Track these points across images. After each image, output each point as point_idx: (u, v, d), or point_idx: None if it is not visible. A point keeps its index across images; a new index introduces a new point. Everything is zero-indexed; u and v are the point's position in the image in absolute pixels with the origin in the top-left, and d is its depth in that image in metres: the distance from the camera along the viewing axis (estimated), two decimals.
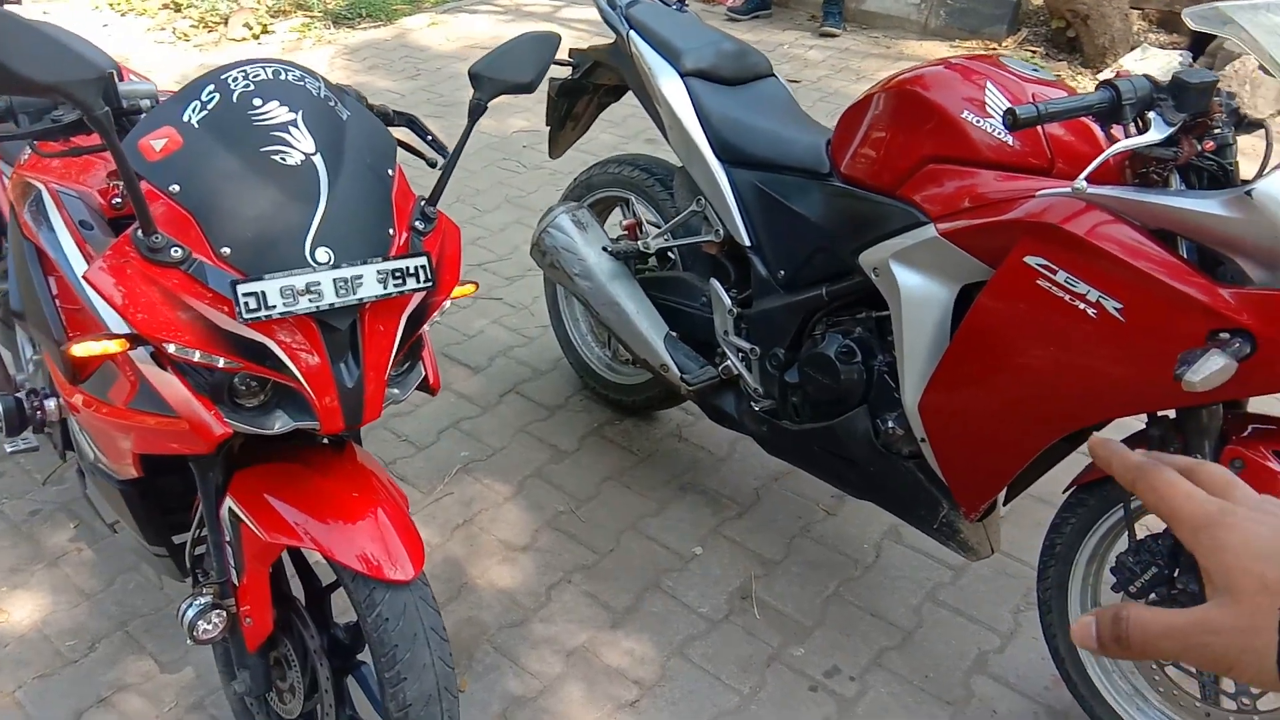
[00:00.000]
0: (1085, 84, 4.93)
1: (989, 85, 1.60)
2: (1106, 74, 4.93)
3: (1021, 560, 2.05)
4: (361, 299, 1.22)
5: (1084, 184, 1.39)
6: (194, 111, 1.24)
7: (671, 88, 2.07)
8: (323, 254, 1.21)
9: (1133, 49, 5.09)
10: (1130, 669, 1.68)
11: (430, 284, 1.30)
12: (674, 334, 2.20)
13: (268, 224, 1.21)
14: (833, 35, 5.71)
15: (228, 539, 1.41)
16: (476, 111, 1.41)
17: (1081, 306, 1.44)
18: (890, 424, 1.79)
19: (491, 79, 1.39)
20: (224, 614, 1.43)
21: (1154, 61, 4.95)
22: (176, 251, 1.18)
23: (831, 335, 1.87)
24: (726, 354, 2.07)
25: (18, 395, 1.67)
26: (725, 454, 2.46)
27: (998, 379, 1.58)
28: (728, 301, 2.04)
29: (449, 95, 4.83)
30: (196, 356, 1.20)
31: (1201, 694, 1.59)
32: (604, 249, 2.28)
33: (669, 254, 2.31)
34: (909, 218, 1.66)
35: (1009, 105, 1.54)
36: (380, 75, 5.11)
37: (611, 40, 2.31)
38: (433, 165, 1.46)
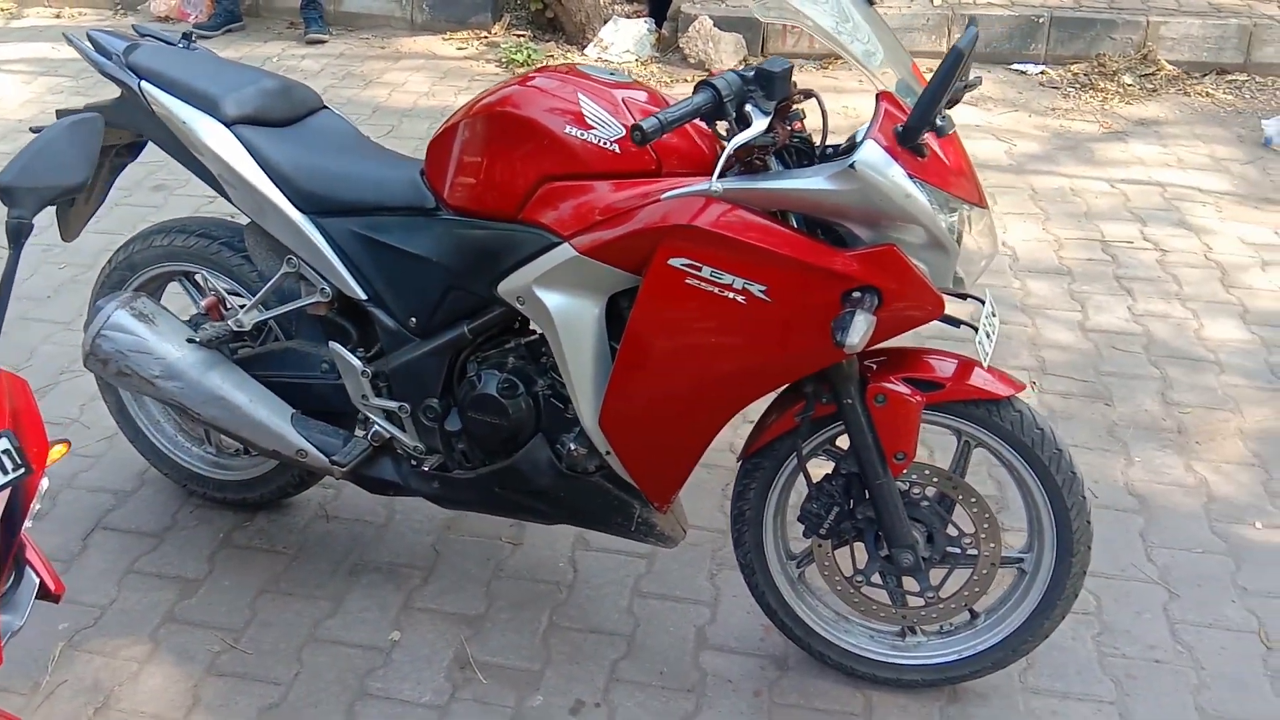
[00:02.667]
0: (575, 58, 5.25)
1: (581, 96, 1.60)
2: (587, 53, 5.31)
3: (698, 526, 2.16)
4: None
5: (719, 184, 1.45)
6: None
7: (220, 141, 1.80)
8: None
9: (605, 22, 5.52)
10: (830, 596, 1.85)
11: (24, 469, 0.99)
12: (299, 413, 1.95)
13: None
14: (321, 41, 5.45)
15: None
16: (20, 233, 1.09)
17: (731, 296, 1.52)
18: (571, 445, 1.76)
19: (30, 189, 1.08)
20: None
21: (626, 31, 5.44)
22: None
23: (486, 373, 1.78)
24: (371, 418, 1.88)
25: None
26: (385, 519, 2.26)
27: (670, 379, 1.62)
28: (357, 364, 1.85)
29: None
30: None
31: (891, 600, 1.80)
32: (188, 340, 1.93)
33: (263, 326, 2.02)
34: (540, 241, 1.63)
35: (613, 116, 1.56)
36: None
37: (114, 95, 1.95)
38: None
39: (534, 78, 1.67)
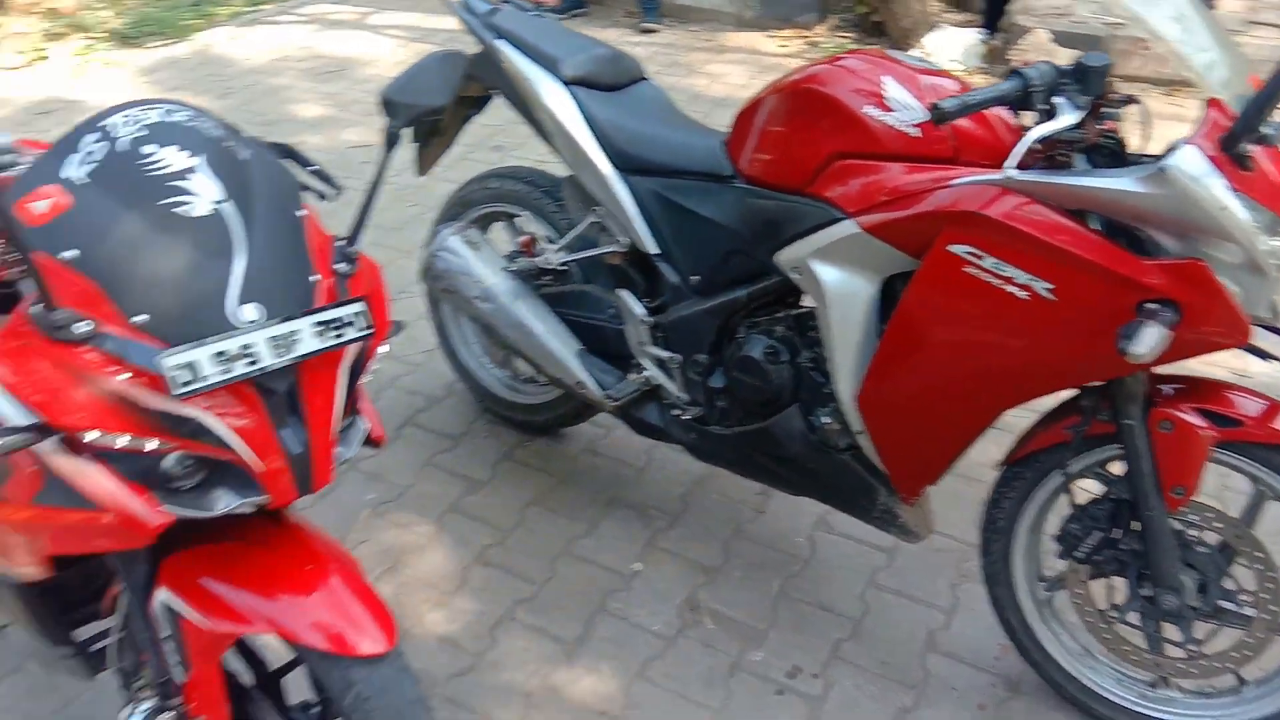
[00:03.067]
0: None
1: (885, 78, 1.64)
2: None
3: (947, 535, 2.13)
4: (300, 356, 1.11)
5: (1014, 171, 1.44)
6: (77, 166, 1.08)
7: (556, 97, 2.01)
8: (251, 311, 1.09)
9: (932, 29, 5.41)
10: (1079, 628, 1.76)
11: (370, 331, 1.20)
12: (584, 349, 2.15)
13: (184, 284, 1.07)
14: (653, 31, 5.77)
15: (164, 635, 1.25)
16: (392, 140, 1.31)
17: (1011, 290, 1.49)
18: (825, 419, 1.81)
19: (405, 104, 1.30)
20: (172, 714, 1.28)
21: (954, 39, 5.29)
22: (83, 325, 1.03)
23: (754, 336, 1.87)
24: (645, 365, 2.04)
25: None
26: (644, 464, 2.43)
27: (935, 367, 1.62)
28: (640, 311, 2.01)
29: (271, 112, 4.55)
30: (121, 442, 1.05)
31: (1147, 645, 1.69)
32: (503, 269, 2.19)
33: (564, 268, 2.25)
34: (824, 215, 1.68)
35: (916, 100, 1.58)
36: (188, 96, 4.74)
37: (475, 50, 2.24)
38: (322, 198, 1.35)
39: (843, 58, 1.73)
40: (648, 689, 1.86)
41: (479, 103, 2.39)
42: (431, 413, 2.62)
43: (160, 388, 1.03)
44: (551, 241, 2.23)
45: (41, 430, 1.05)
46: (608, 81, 2.07)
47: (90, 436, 1.03)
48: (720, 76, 5.07)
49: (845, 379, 1.72)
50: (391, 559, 2.15)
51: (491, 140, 4.22)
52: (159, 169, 1.09)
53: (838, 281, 1.69)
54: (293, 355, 1.09)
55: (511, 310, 2.15)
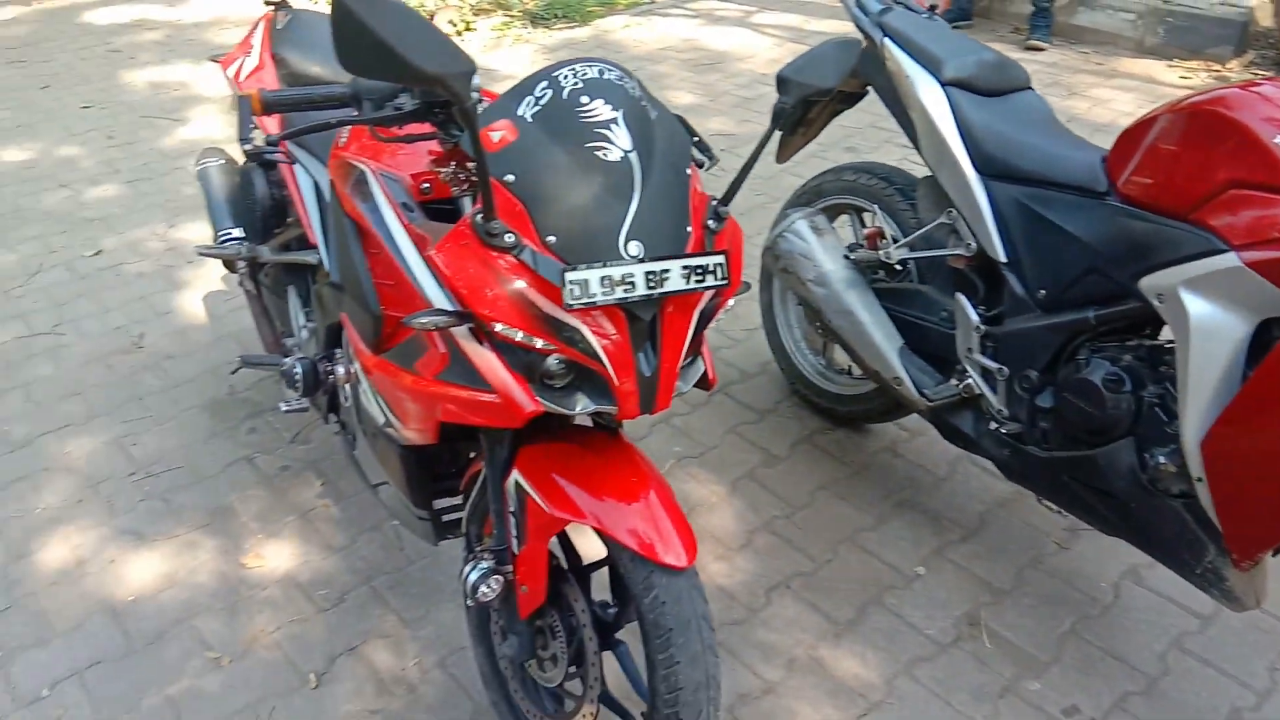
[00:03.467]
0: None
1: None
2: None
3: (1275, 615, 1.92)
4: (667, 292, 1.26)
5: None
6: (528, 106, 1.30)
7: (931, 96, 2.04)
8: (634, 247, 1.26)
9: None
10: None
11: (726, 282, 1.33)
12: (905, 347, 2.17)
13: (588, 216, 1.26)
14: (1040, 49, 5.50)
15: (511, 510, 1.47)
16: (780, 115, 1.43)
17: None
18: (1160, 459, 1.71)
19: (798, 83, 1.41)
20: (501, 580, 1.50)
21: None
22: (510, 237, 1.24)
23: (1097, 361, 1.80)
24: (968, 371, 2.02)
25: (314, 359, 1.80)
26: (945, 474, 2.40)
27: None
28: (975, 318, 2.00)
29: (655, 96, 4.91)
30: (519, 337, 1.26)
31: None
32: (844, 257, 2.27)
33: (900, 266, 2.27)
34: (1204, 244, 1.58)
35: None
36: None
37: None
38: (700, 165, 1.49)
39: (1259, 84, 1.61)
40: (912, 686, 1.87)
41: (850, 99, 2.47)
42: (743, 386, 2.76)
43: (556, 298, 1.23)
44: (895, 239, 2.27)
45: (463, 316, 1.29)
46: (988, 86, 2.06)
47: (498, 328, 1.25)
48: (1105, 101, 4.75)
49: (1193, 420, 1.62)
50: (686, 507, 2.31)
51: (846, 141, 4.27)
52: (589, 117, 1.28)
53: (1206, 315, 1.59)
54: (661, 290, 1.26)
55: (843, 297, 2.21)
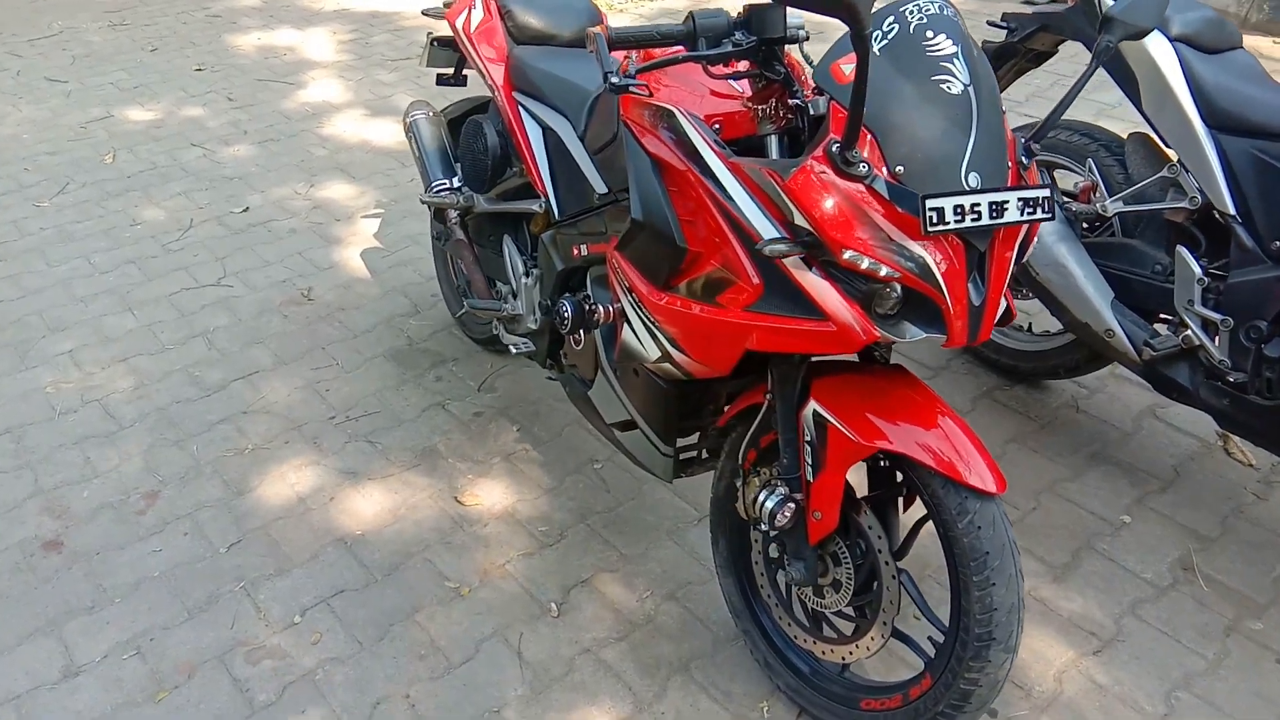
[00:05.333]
0: None
1: None
2: None
3: None
4: (1006, 222, 1.32)
5: None
6: (875, 40, 1.35)
7: (1162, 51, 2.07)
8: (973, 179, 1.31)
9: None
10: None
11: (1050, 216, 1.38)
12: (1117, 300, 2.21)
13: (933, 147, 1.31)
14: None
15: (807, 439, 1.53)
16: (1104, 53, 1.47)
17: None
18: None
19: (1122, 22, 1.45)
20: (794, 506, 1.56)
21: None
22: (864, 167, 1.30)
23: None
24: (1188, 323, 2.06)
25: (578, 299, 1.86)
26: (1132, 429, 2.45)
27: None
28: (1197, 270, 2.03)
29: None
30: (865, 264, 1.31)
31: None
32: (1058, 207, 2.30)
33: (1100, 221, 2.30)
34: None
35: None
36: None
37: (1064, 4, 2.32)
38: None
39: None
40: (1138, 625, 1.92)
41: (1039, 58, 2.49)
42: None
43: (905, 225, 1.29)
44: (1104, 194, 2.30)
45: (810, 243, 1.34)
46: (1209, 43, 2.09)
47: (846, 255, 1.31)
48: None
49: None
50: None
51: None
52: (934, 51, 1.33)
53: None
54: (1002, 220, 1.31)
55: (1053, 250, 2.25)
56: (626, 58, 1.70)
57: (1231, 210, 1.98)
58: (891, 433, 1.45)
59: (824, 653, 1.69)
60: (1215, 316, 2.01)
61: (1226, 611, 1.95)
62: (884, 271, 1.32)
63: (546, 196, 2.13)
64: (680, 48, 1.51)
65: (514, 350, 2.18)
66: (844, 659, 1.65)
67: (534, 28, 2.27)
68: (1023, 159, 1.42)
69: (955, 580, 1.46)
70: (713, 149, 1.49)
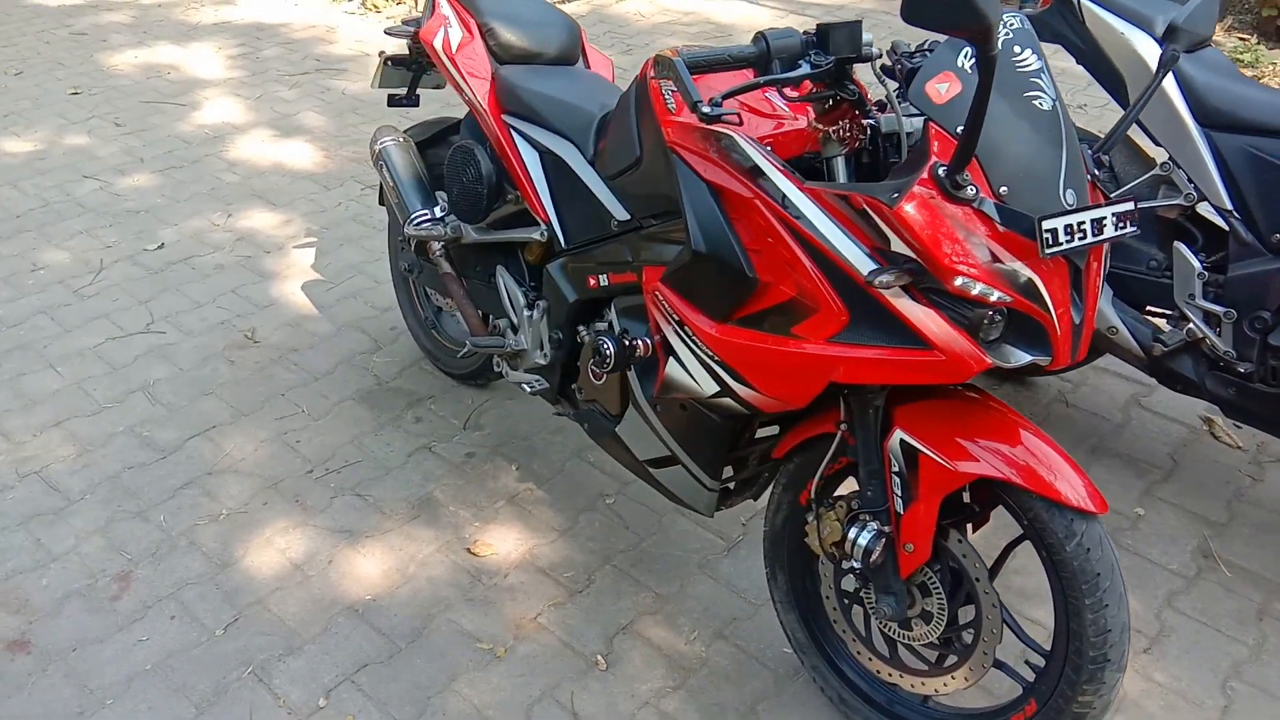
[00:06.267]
0: None
1: None
2: None
3: None
4: (1105, 239, 1.30)
5: None
6: (964, 58, 1.31)
7: (1149, 51, 2.11)
8: (1070, 196, 1.29)
9: None
10: None
11: (1135, 230, 1.37)
12: (1115, 297, 2.25)
13: (1031, 165, 1.28)
14: None
15: (894, 470, 1.48)
16: (1171, 62, 1.47)
17: None
18: None
19: (1186, 31, 1.45)
20: (884, 539, 1.51)
21: None
22: (971, 189, 1.25)
23: None
24: (1190, 316, 2.11)
25: (618, 335, 1.75)
26: (1122, 420, 2.51)
27: None
28: (1196, 265, 2.09)
29: None
30: (976, 290, 1.27)
31: None
32: None
33: None
34: None
35: None
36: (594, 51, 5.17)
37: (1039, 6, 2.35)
38: None
39: None
40: (1177, 618, 1.96)
41: None
42: None
43: (1013, 247, 1.25)
44: None
45: (913, 270, 1.28)
46: (1190, 42, 2.14)
47: (958, 282, 1.25)
48: None
49: None
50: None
51: None
52: (1023, 67, 1.30)
53: None
54: (1103, 236, 1.29)
55: None
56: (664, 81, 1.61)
57: (1229, 206, 2.04)
58: (986, 458, 1.41)
59: (913, 685, 1.64)
60: (1217, 309, 2.07)
61: (1254, 596, 2.01)
62: (995, 296, 1.27)
63: (549, 224, 2.02)
64: (748, 71, 1.43)
65: (527, 390, 2.05)
66: (937, 691, 1.61)
67: (518, 46, 2.15)
68: (1095, 171, 1.40)
69: (1064, 603, 1.43)
70: (786, 175, 1.41)
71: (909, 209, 1.26)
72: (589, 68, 2.28)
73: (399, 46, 2.47)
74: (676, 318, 1.61)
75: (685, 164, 1.53)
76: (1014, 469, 1.39)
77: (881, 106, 1.48)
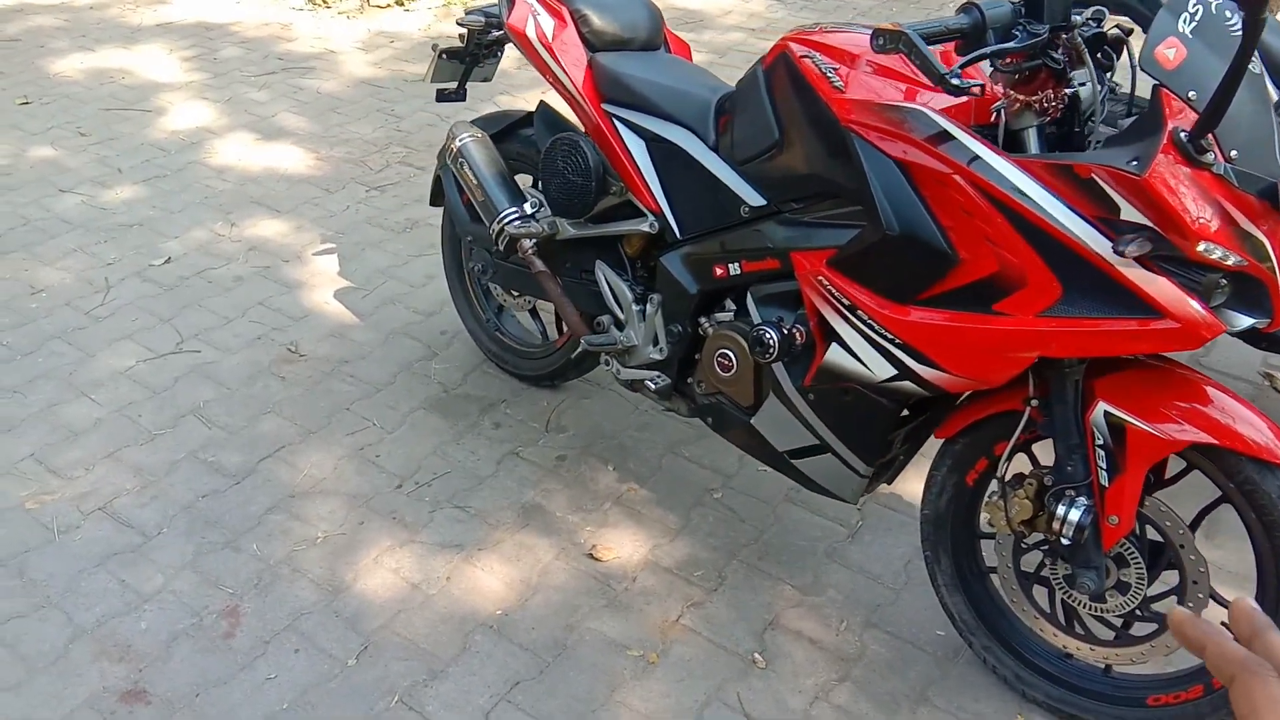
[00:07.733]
0: None
1: None
2: None
3: None
4: None
5: None
6: (1185, 23, 1.31)
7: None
8: None
9: None
10: None
11: None
12: None
13: (1253, 129, 1.30)
14: None
15: (1099, 443, 1.48)
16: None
17: None
18: None
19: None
20: (1091, 514, 1.51)
21: None
22: (1210, 155, 1.25)
23: None
24: None
25: (777, 324, 1.70)
26: None
27: None
28: None
29: None
30: (1216, 255, 1.27)
31: None
32: None
33: None
34: None
35: None
36: None
37: None
38: None
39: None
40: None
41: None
42: None
43: (1248, 212, 1.26)
44: None
45: (1152, 236, 1.28)
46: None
47: (1202, 246, 1.25)
48: None
49: None
50: None
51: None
52: (1235, 31, 1.30)
53: None
54: None
55: None
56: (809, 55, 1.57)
57: None
58: (1194, 424, 1.43)
59: (1113, 659, 1.64)
60: None
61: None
62: (1232, 260, 1.28)
63: (659, 214, 1.96)
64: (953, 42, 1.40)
65: (651, 386, 1.99)
66: (1133, 661, 1.62)
67: (610, 33, 2.07)
68: None
69: (1276, 567, 1.45)
70: (991, 148, 1.40)
71: (1157, 176, 1.25)
72: (670, 52, 2.22)
73: (431, 39, 2.36)
74: (847, 302, 1.58)
75: (868, 142, 1.50)
76: (1223, 433, 1.41)
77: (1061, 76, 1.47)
